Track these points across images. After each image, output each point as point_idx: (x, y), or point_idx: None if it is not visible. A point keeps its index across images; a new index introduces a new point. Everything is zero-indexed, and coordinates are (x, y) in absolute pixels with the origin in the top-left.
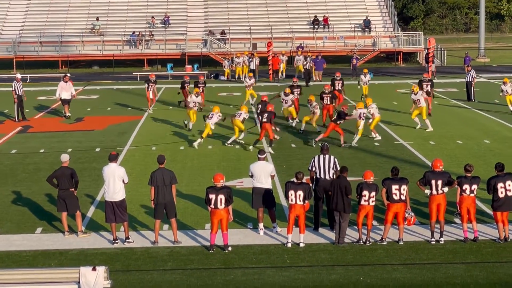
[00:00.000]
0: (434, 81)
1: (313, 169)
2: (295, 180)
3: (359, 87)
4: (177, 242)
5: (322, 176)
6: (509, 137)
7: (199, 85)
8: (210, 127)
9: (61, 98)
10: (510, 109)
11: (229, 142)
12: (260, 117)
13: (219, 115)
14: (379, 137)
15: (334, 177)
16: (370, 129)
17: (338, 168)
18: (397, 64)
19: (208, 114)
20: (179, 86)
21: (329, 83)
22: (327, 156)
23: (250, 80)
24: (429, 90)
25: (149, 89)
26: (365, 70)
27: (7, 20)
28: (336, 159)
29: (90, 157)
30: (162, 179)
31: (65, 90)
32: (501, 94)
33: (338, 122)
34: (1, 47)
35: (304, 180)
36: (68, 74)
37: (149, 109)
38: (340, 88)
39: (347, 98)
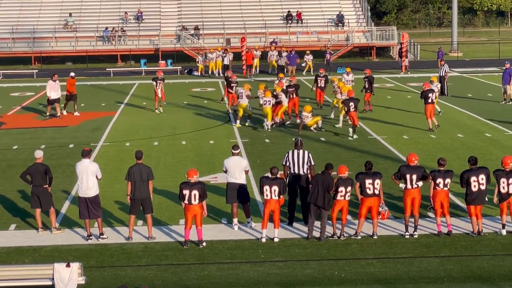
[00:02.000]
0: (407, 75)
1: (287, 164)
2: (269, 175)
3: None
4: (151, 238)
5: (296, 171)
6: (482, 131)
7: (232, 85)
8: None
9: (49, 98)
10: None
11: (268, 127)
12: (345, 106)
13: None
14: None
15: (308, 172)
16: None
17: (312, 163)
18: (371, 59)
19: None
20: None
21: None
22: (301, 151)
23: (282, 80)
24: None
25: (158, 87)
26: (348, 69)
27: None
28: (310, 154)
29: (63, 153)
30: (140, 175)
31: (54, 90)
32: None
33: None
34: None
35: (278, 175)
36: (74, 74)
37: (158, 108)
38: (322, 86)
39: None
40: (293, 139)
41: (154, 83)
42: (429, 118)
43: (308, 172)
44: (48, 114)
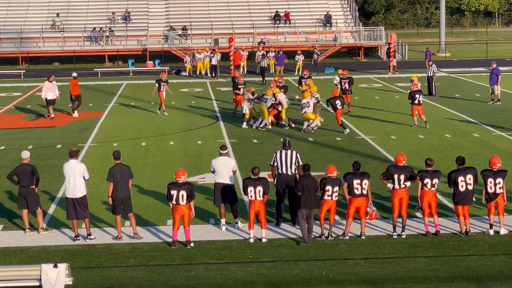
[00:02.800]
0: (395, 76)
1: (275, 164)
2: (252, 176)
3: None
4: (136, 235)
5: (284, 171)
6: (469, 131)
7: (239, 87)
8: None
9: (46, 99)
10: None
11: (261, 125)
12: (331, 104)
13: (272, 99)
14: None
15: (296, 172)
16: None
17: (300, 163)
18: (359, 59)
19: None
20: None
21: (297, 79)
22: (289, 151)
23: (274, 80)
24: (346, 87)
25: (162, 89)
26: (340, 71)
27: None
28: (298, 154)
29: (51, 153)
30: (121, 174)
31: (51, 90)
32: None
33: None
34: None
35: (266, 175)
36: (76, 74)
37: (164, 111)
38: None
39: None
40: (281, 139)
41: (157, 85)
42: (415, 116)
43: (296, 172)
44: (52, 115)
